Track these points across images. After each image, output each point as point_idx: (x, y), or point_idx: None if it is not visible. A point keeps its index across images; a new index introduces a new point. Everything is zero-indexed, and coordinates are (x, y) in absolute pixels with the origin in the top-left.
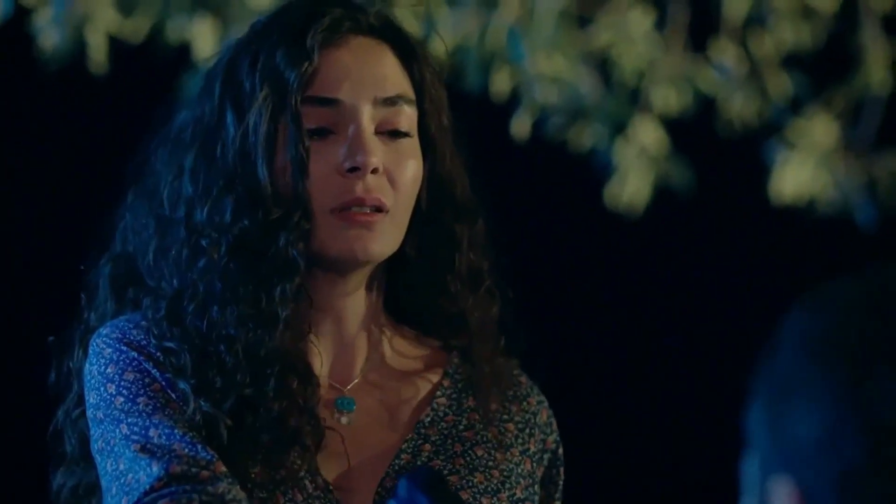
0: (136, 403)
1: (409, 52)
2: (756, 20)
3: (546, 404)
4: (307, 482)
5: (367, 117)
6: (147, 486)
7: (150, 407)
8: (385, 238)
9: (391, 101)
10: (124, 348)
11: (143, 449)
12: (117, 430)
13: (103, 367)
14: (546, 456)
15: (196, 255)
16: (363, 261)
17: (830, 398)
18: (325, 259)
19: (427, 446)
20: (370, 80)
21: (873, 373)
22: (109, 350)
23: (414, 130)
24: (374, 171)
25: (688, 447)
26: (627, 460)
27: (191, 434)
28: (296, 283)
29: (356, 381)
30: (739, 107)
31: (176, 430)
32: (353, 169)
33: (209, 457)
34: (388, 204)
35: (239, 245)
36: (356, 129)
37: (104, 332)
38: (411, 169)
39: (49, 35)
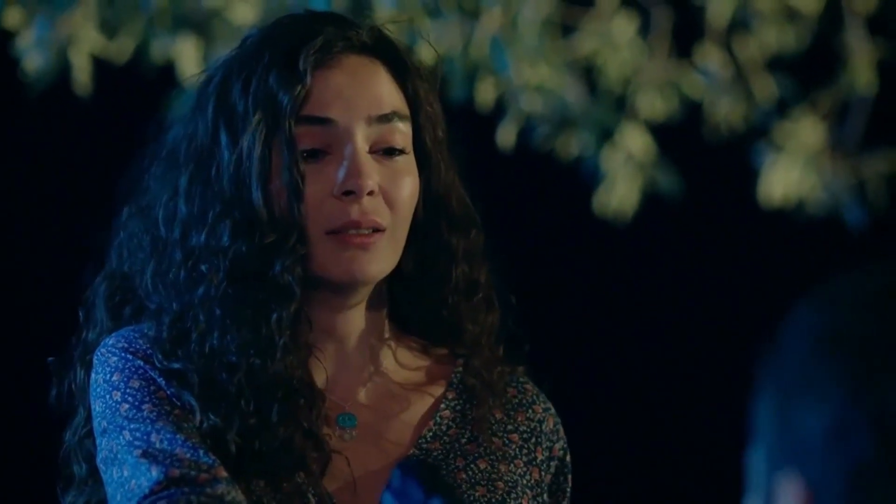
0: (141, 410)
1: (402, 67)
2: (740, 24)
3: (552, 411)
4: (311, 496)
5: (362, 137)
6: (147, 490)
7: (154, 413)
8: (382, 258)
9: (385, 119)
10: (130, 357)
11: (145, 454)
12: (121, 438)
13: (108, 376)
14: (553, 463)
15: (195, 281)
16: (362, 282)
17: (839, 392)
18: (324, 281)
19: (429, 461)
20: (364, 99)
21: (882, 367)
22: (115, 359)
23: (409, 146)
24: (370, 193)
25: (686, 448)
26: (632, 464)
27: (193, 440)
28: (292, 309)
29: (358, 396)
30: (726, 111)
31: (178, 436)
32: (349, 192)
33: (210, 461)
34: (385, 224)
35: (236, 270)
36: (351, 150)
37: (109, 342)
38: (408, 186)
39: (33, 57)
